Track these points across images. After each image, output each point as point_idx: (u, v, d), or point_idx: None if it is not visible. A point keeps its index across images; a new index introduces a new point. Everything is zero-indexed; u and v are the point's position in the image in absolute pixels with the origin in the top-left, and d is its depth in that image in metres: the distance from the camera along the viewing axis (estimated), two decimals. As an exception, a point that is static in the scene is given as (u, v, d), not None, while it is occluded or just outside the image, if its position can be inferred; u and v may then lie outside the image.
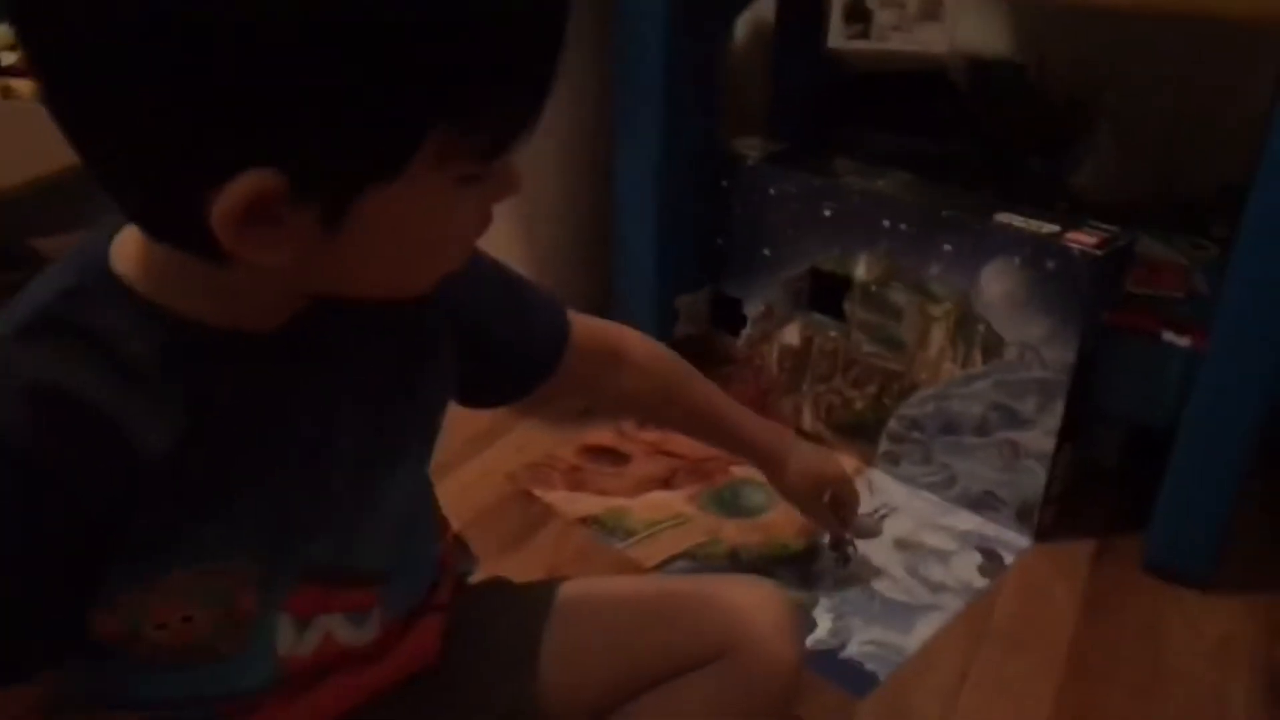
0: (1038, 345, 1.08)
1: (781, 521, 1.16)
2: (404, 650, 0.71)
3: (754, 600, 0.74)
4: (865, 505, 1.20)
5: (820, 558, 1.10)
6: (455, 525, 1.12)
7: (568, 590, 0.78)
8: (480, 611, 0.78)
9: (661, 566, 1.09)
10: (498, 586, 0.83)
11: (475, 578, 0.84)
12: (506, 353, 0.76)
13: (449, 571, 0.78)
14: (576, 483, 1.22)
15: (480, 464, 1.25)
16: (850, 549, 1.10)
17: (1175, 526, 1.08)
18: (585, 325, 0.81)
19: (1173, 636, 1.03)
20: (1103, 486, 1.23)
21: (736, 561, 1.11)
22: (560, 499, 1.19)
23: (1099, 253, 1.03)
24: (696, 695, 0.72)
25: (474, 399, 0.77)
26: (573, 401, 1.27)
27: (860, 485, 1.24)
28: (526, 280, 0.78)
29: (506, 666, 0.75)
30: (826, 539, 1.11)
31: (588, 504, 1.18)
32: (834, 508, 1.04)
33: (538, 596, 0.78)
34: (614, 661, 0.74)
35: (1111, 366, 1.12)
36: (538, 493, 1.20)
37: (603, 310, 1.36)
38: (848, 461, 1.28)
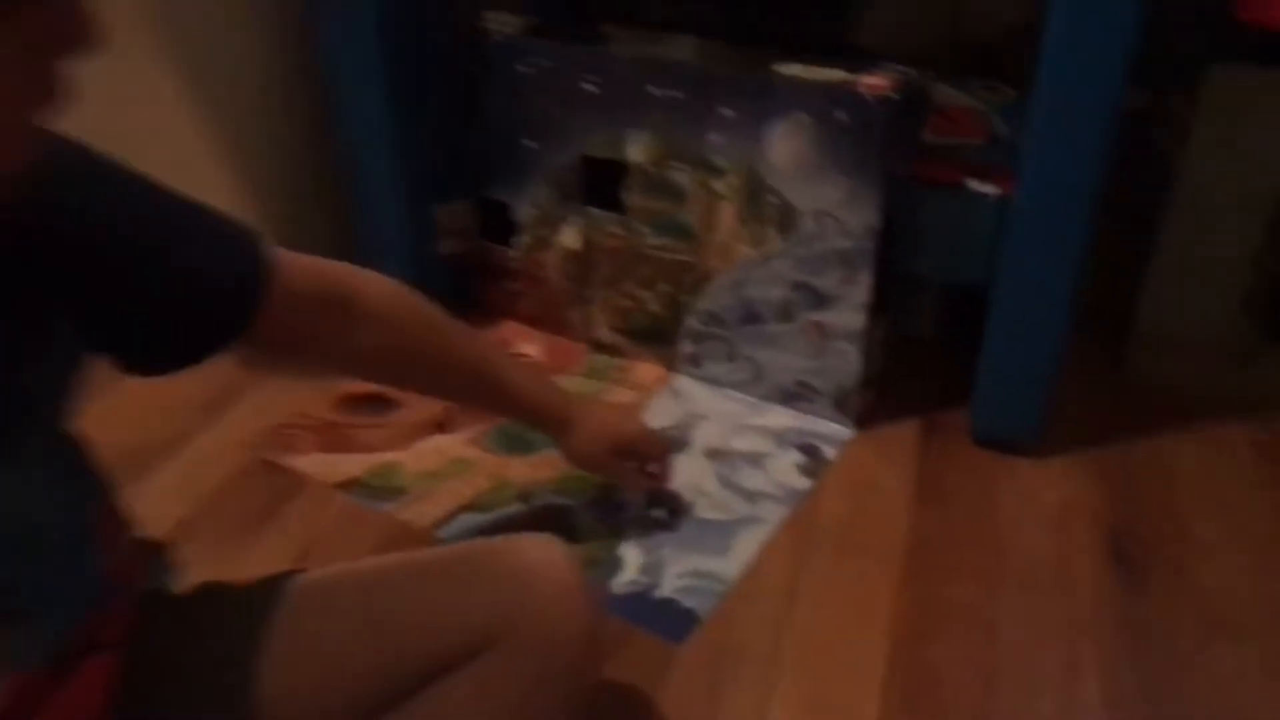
0: (835, 210, 0.95)
1: (579, 450, 1.02)
2: (51, 713, 0.52)
3: (532, 563, 0.60)
4: (670, 415, 1.07)
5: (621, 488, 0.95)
6: (177, 514, 0.93)
7: (301, 584, 0.63)
8: (179, 631, 0.60)
9: (440, 525, 0.92)
10: (206, 595, 0.64)
11: (181, 588, 0.65)
12: (173, 302, 0.56)
13: (129, 591, 0.58)
14: (333, 442, 1.03)
15: (215, 434, 1.04)
16: (676, 503, 0.95)
17: (999, 393, 1.00)
18: (300, 266, 0.62)
19: (1010, 512, 0.95)
20: (922, 361, 1.14)
21: (529, 505, 0.95)
22: (313, 464, 0.99)
23: (894, 95, 0.90)
24: (475, 686, 0.57)
25: (136, 363, 0.57)
26: (292, 363, 1.00)
27: (664, 396, 1.10)
28: (205, 207, 0.58)
29: (211, 697, 0.58)
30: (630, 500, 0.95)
31: (348, 465, 0.99)
32: (644, 467, 0.90)
33: (258, 598, 0.62)
34: (363, 662, 0.59)
35: (917, 225, 1.00)
36: (284, 461, 1.00)
37: (341, 235, 1.16)
38: (649, 371, 1.14)
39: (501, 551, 0.62)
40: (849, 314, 0.99)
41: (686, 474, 0.97)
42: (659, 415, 1.06)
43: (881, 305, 1.00)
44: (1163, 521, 0.94)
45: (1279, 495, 0.96)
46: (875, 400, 1.07)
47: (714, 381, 1.11)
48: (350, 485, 0.97)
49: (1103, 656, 0.80)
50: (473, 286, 1.23)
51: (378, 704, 0.58)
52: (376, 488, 0.96)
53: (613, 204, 1.09)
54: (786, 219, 0.98)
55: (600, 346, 1.18)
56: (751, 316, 1.05)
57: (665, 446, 0.92)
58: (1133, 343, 1.13)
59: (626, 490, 0.93)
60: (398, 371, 0.77)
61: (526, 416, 0.82)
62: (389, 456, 1.00)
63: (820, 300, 1.00)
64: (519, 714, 0.59)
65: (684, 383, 1.12)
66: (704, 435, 1.04)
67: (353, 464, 0.99)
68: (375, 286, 0.69)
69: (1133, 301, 1.12)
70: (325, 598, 0.62)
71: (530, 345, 1.19)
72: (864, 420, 1.05)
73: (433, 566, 0.63)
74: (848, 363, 1.02)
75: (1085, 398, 1.08)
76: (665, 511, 0.93)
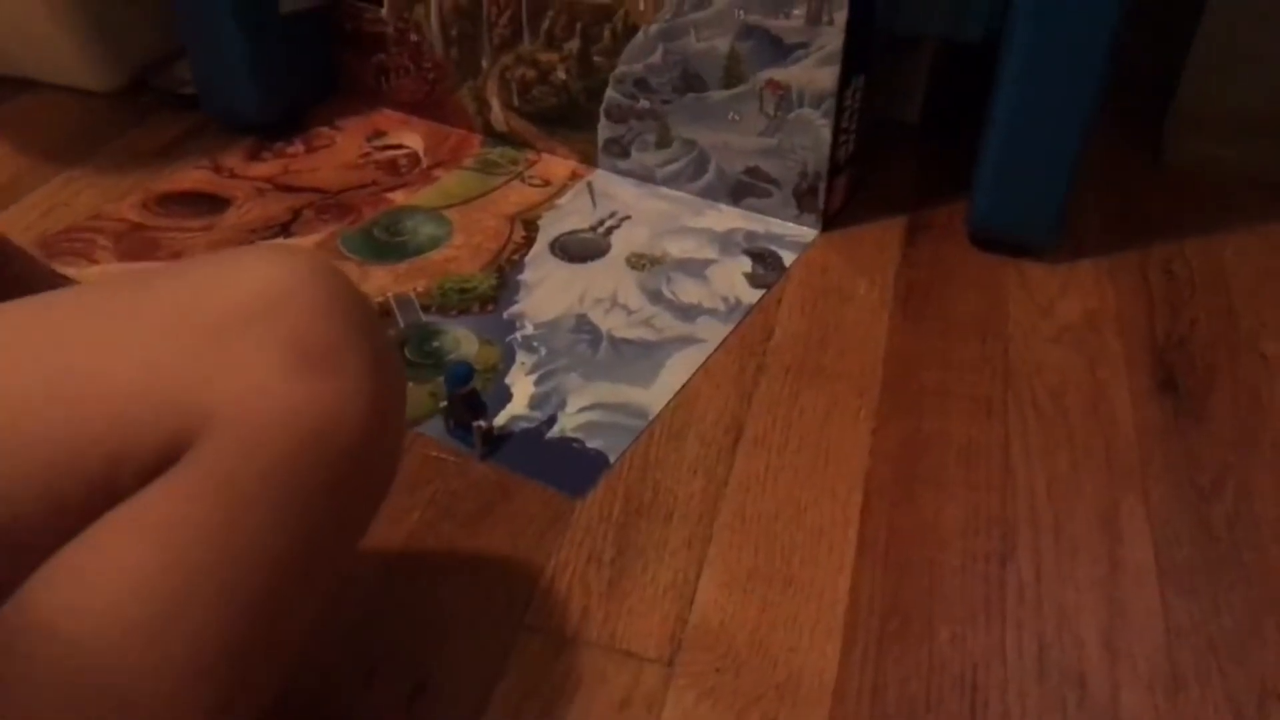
0: (800, -82, 0.70)
1: (463, 256, 0.78)
2: None
3: (245, 303, 0.34)
4: (587, 219, 0.83)
5: (508, 284, 0.71)
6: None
7: None
8: None
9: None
10: None
11: None
12: None
13: None
14: (139, 248, 0.78)
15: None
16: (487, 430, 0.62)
17: (1007, 178, 0.77)
18: None
19: (1020, 327, 0.73)
20: (905, 149, 0.91)
21: (390, 319, 0.72)
22: (105, 275, 0.75)
23: None
24: (140, 514, 0.33)
25: None
26: None
27: (578, 196, 0.86)
28: None
29: None
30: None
31: (150, 274, 0.75)
32: None
33: None
34: None
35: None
36: (67, 270, 0.75)
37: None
38: (564, 166, 0.90)
39: (206, 283, 0.35)
40: (817, 69, 0.75)
41: (601, 285, 0.74)
42: (570, 218, 0.82)
43: (859, 62, 0.76)
44: (1219, 334, 0.73)
45: (1356, 305, 0.76)
46: (847, 192, 0.83)
47: (644, 175, 0.87)
48: (148, 300, 0.73)
49: (1152, 509, 0.60)
50: (333, 62, 0.97)
51: None
52: (185, 303, 0.72)
53: (507, -64, 0.82)
54: (734, -62, 0.73)
55: (499, 136, 0.93)
56: (690, 80, 0.80)
57: None
58: (1171, 123, 0.90)
59: None
60: None
61: None
62: (208, 265, 0.76)
63: (779, 51, 0.75)
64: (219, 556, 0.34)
65: (605, 178, 0.88)
66: (626, 240, 0.80)
67: (156, 274, 0.75)
68: None
69: (1174, 74, 0.89)
70: None
71: (411, 137, 0.94)
72: (832, 218, 0.82)
73: (98, 332, 0.36)
74: (815, 138, 0.78)
75: (1113, 187, 0.86)
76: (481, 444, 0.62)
